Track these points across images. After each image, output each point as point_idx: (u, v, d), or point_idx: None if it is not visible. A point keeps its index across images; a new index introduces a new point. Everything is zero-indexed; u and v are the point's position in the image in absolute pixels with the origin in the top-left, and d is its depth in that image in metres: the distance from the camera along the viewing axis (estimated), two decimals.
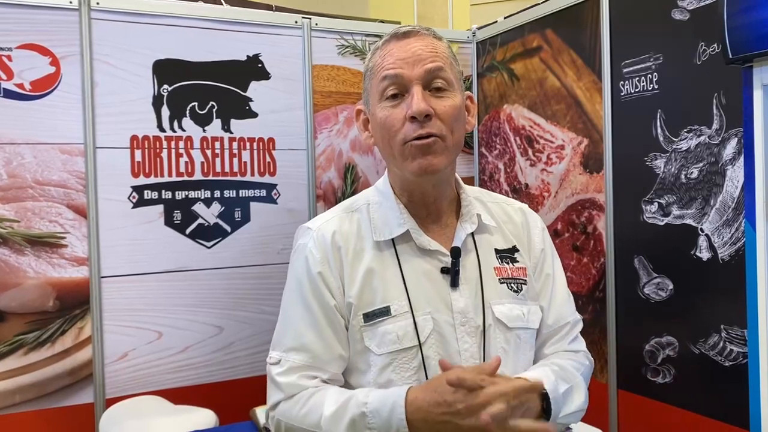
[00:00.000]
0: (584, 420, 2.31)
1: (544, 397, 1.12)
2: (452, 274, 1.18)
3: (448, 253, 1.19)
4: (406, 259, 1.18)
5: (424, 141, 1.13)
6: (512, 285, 1.23)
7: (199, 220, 2.86)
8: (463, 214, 1.24)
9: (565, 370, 1.21)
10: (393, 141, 1.16)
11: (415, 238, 1.20)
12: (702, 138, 2.27)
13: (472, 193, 1.29)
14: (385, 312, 1.15)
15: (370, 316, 1.15)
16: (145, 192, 2.77)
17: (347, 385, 1.20)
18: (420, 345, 1.13)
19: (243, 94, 2.95)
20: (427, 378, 1.13)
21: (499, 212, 1.31)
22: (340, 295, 1.17)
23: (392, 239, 1.19)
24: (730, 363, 2.19)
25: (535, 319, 1.24)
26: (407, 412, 1.04)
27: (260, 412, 2.27)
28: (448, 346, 1.15)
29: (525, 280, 1.24)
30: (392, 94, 1.15)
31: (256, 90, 2.97)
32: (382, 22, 3.38)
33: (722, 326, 2.21)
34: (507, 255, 1.25)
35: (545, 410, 1.12)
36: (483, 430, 1.01)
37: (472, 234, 1.23)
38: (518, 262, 1.26)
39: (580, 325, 1.32)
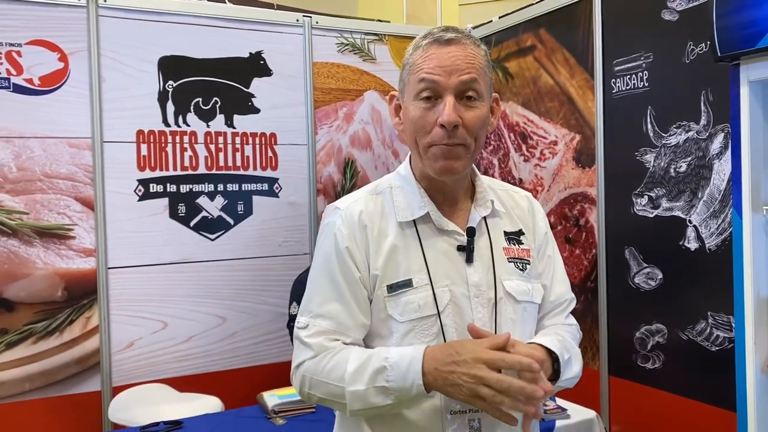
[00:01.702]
0: (578, 403, 2.41)
1: (555, 361, 1.24)
2: (467, 251, 1.29)
3: (464, 233, 1.30)
4: (426, 238, 1.29)
5: (450, 149, 1.24)
6: (518, 264, 1.35)
7: (203, 213, 2.94)
8: (477, 199, 1.35)
9: (567, 341, 1.35)
10: (421, 140, 1.26)
11: (434, 219, 1.30)
12: (690, 133, 2.37)
13: (485, 181, 1.40)
14: (407, 284, 1.26)
15: (394, 288, 1.26)
16: (151, 185, 2.84)
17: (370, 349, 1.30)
18: (438, 313, 1.24)
19: (246, 90, 3.03)
20: (445, 342, 1.24)
21: (508, 199, 1.42)
22: (365, 269, 1.27)
23: (413, 220, 1.30)
24: (717, 348, 2.29)
25: (538, 295, 1.36)
26: (423, 364, 1.16)
27: (267, 397, 2.34)
28: (464, 315, 1.26)
29: (529, 261, 1.36)
30: (426, 96, 1.24)
31: (258, 86, 3.05)
32: (379, 21, 3.46)
33: (709, 313, 2.31)
34: (514, 237, 1.37)
35: (555, 372, 1.23)
36: (482, 379, 1.12)
37: (485, 217, 1.34)
38: (523, 244, 1.37)
39: (575, 302, 1.47)
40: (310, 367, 1.26)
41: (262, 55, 3.05)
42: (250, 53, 3.03)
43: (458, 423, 1.22)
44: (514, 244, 1.35)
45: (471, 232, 1.29)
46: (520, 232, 1.37)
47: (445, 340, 1.23)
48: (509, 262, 1.33)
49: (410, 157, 1.36)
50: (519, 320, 1.30)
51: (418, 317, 1.23)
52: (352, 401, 1.20)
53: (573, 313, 1.44)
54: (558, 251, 1.45)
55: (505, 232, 1.35)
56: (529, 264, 1.35)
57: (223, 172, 2.98)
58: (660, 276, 2.51)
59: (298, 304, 2.77)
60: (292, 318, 2.71)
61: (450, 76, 1.22)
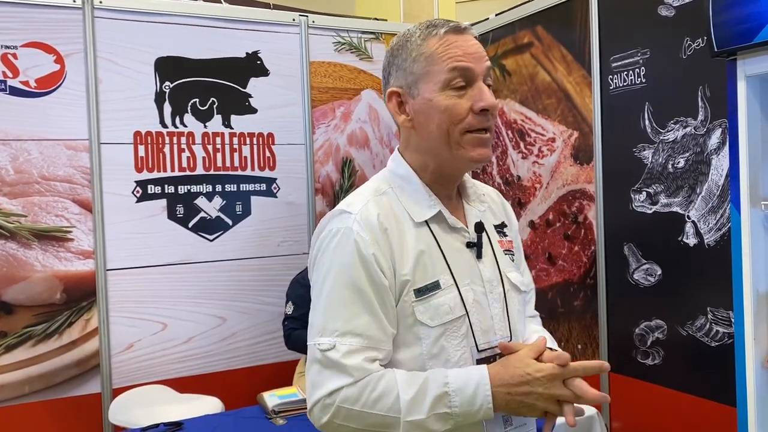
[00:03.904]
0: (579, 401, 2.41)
1: None
2: (478, 247, 1.28)
3: (468, 230, 1.30)
4: (441, 237, 1.25)
5: (485, 135, 1.24)
6: (510, 256, 1.37)
7: (202, 214, 2.93)
8: (469, 195, 1.35)
9: (552, 339, 1.37)
10: (454, 128, 1.22)
11: (447, 217, 1.30)
12: (688, 129, 2.37)
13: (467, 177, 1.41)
14: (436, 286, 1.22)
15: (422, 291, 1.21)
16: (149, 186, 2.83)
17: (393, 360, 1.22)
18: (467, 313, 1.23)
19: (243, 90, 3.02)
20: (475, 342, 1.23)
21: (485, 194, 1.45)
22: (391, 275, 1.20)
23: (426, 220, 1.27)
24: (717, 344, 2.29)
25: (526, 283, 1.42)
26: (492, 388, 1.14)
27: (267, 397, 2.34)
28: (485, 312, 1.25)
29: (513, 252, 1.39)
30: (459, 86, 1.21)
31: (255, 86, 3.05)
32: (376, 19, 3.46)
33: (708, 308, 2.32)
34: (500, 230, 1.38)
35: None
36: (559, 396, 1.13)
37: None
38: (507, 236, 1.39)
39: (534, 290, 1.51)
40: (350, 396, 1.14)
41: (259, 55, 3.05)
42: (247, 53, 3.03)
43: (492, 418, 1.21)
44: (502, 236, 1.37)
45: (479, 228, 1.29)
46: (503, 225, 1.39)
47: (474, 340, 1.22)
48: (505, 254, 1.34)
49: (401, 155, 1.32)
50: (522, 311, 1.33)
51: (450, 319, 1.21)
52: (409, 430, 1.14)
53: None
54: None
55: (494, 225, 1.36)
56: (514, 255, 1.38)
57: (221, 172, 2.97)
58: (659, 272, 2.51)
59: (294, 303, 2.78)
60: (287, 318, 2.72)
61: (479, 63, 1.22)
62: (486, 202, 1.35)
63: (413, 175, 1.29)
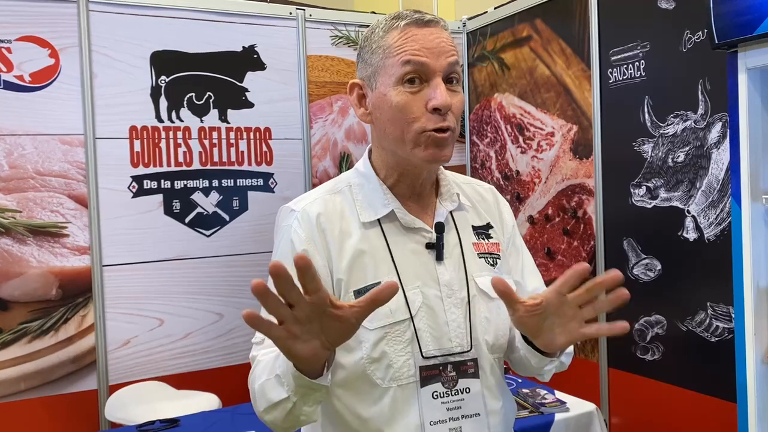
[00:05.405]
0: (577, 396, 2.40)
1: None
2: (437, 248, 1.22)
3: (432, 230, 1.23)
4: (393, 238, 1.21)
5: (442, 135, 1.16)
6: (489, 259, 1.28)
7: (198, 209, 2.91)
8: (442, 194, 1.28)
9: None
10: (408, 127, 1.16)
11: (400, 217, 1.22)
12: (688, 123, 2.35)
13: (448, 175, 1.34)
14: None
15: (362, 292, 1.15)
16: (145, 182, 2.81)
17: (337, 364, 1.17)
18: (411, 317, 1.17)
19: (239, 84, 3.00)
20: (420, 348, 1.17)
21: (472, 192, 1.36)
22: (326, 273, 1.18)
23: (378, 219, 1.22)
24: (717, 339, 2.28)
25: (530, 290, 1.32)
26: None
27: None
28: (437, 318, 1.18)
29: (499, 255, 1.29)
30: (410, 79, 1.16)
31: (252, 80, 3.02)
32: (374, 13, 3.43)
33: (708, 304, 2.30)
34: (482, 231, 1.31)
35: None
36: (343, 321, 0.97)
37: (451, 212, 1.28)
38: (492, 238, 1.30)
39: None
40: (250, 378, 1.17)
41: (256, 48, 3.02)
42: (244, 47, 3.00)
43: None
44: (483, 239, 1.29)
45: (440, 228, 1.23)
46: (489, 226, 1.32)
47: (419, 346, 1.17)
48: (480, 257, 1.27)
49: (369, 152, 1.29)
50: (494, 318, 1.24)
51: (390, 323, 1.14)
52: (258, 399, 1.11)
53: None
54: (524, 244, 1.41)
55: (473, 226, 1.30)
56: (499, 259, 1.29)
57: (218, 167, 2.95)
58: (659, 267, 2.49)
59: None
60: None
61: (438, 58, 1.15)
62: (456, 201, 1.28)
63: (372, 174, 1.25)
